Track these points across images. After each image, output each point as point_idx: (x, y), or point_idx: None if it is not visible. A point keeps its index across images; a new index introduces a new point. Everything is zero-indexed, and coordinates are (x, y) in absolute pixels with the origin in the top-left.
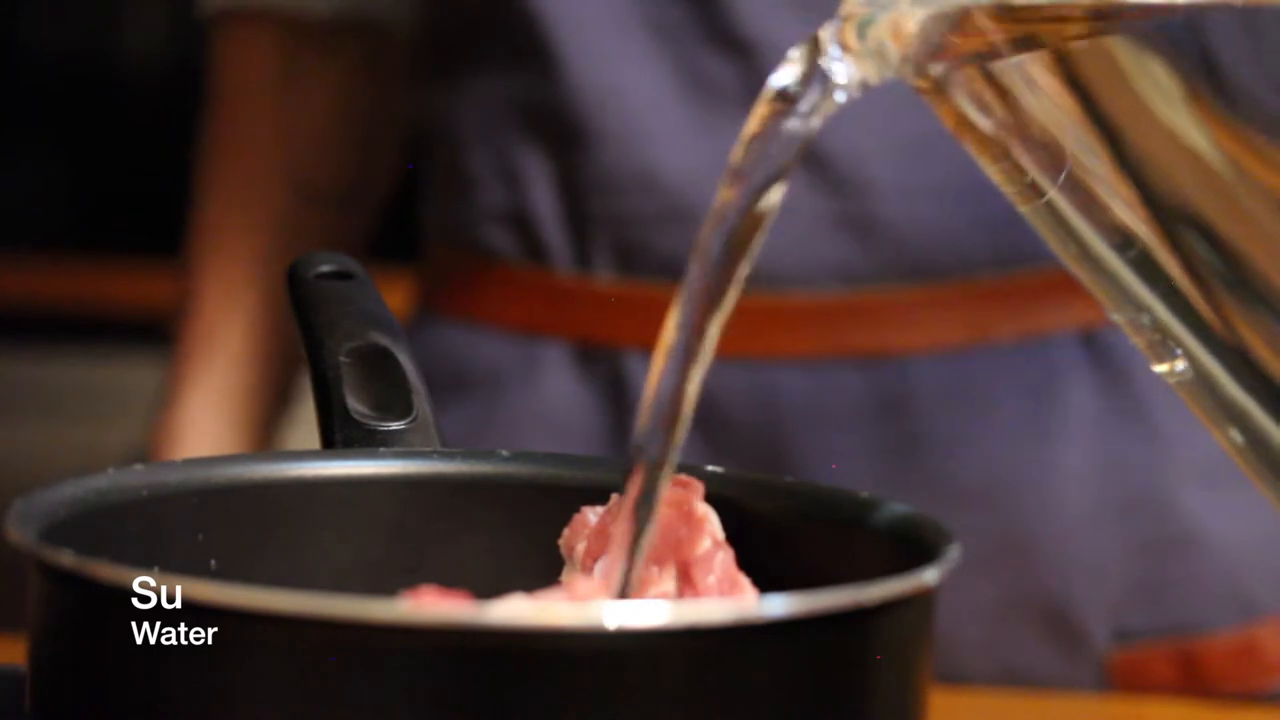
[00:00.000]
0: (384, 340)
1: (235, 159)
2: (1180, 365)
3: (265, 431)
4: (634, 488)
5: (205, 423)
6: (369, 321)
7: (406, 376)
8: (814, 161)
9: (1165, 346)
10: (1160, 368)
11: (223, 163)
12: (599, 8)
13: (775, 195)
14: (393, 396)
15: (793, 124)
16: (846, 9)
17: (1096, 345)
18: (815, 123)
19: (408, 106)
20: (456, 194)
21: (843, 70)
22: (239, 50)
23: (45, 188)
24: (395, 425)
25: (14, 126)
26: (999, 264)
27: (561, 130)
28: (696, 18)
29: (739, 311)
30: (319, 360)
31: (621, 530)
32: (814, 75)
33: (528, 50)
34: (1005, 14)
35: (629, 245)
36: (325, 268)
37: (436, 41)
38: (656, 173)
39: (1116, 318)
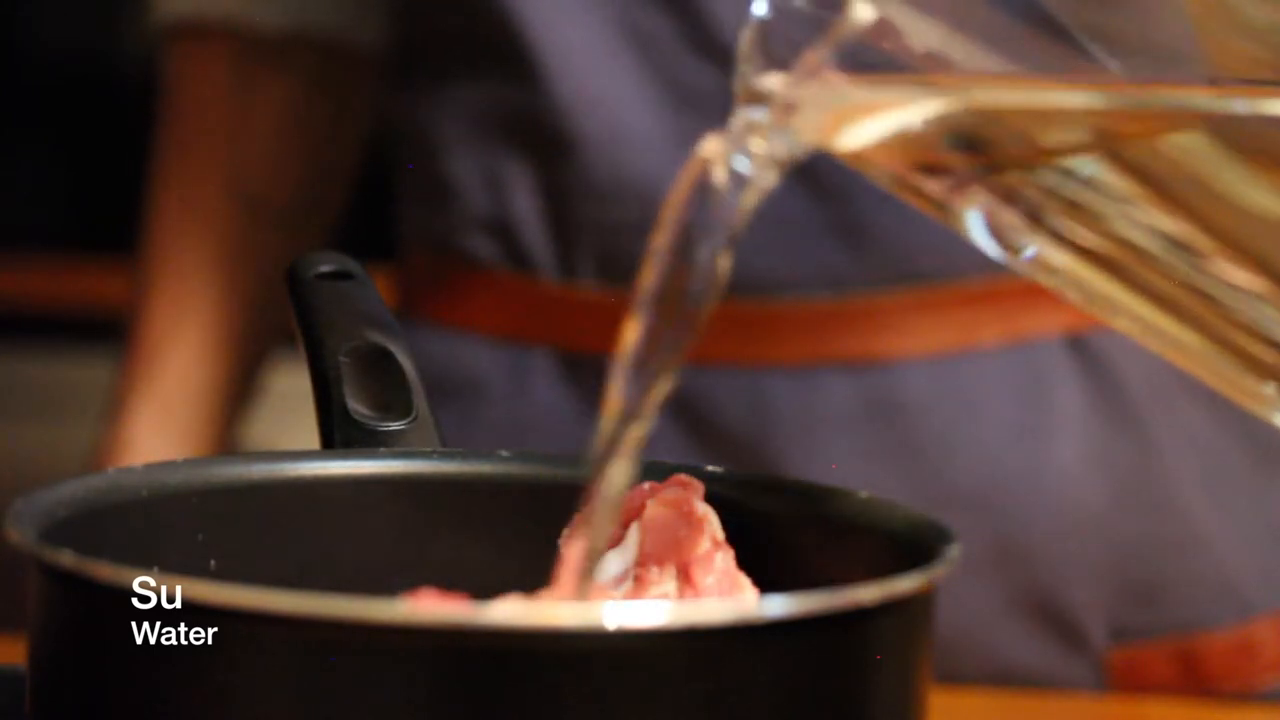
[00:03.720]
0: (384, 340)
1: (185, 172)
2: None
3: (217, 444)
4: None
5: (149, 440)
6: (369, 321)
7: (406, 376)
8: (801, 168)
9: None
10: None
11: (173, 176)
12: (578, 17)
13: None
14: (393, 396)
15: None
16: (739, 122)
17: (1083, 348)
18: (749, 204)
19: (372, 119)
20: (438, 200)
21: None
22: (191, 63)
23: (45, 188)
24: (395, 425)
25: (14, 126)
26: (985, 268)
27: (544, 138)
28: (677, 26)
29: (728, 318)
30: (319, 360)
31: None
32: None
33: (509, 60)
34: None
35: (613, 253)
36: (325, 268)
37: (414, 51)
38: (640, 181)
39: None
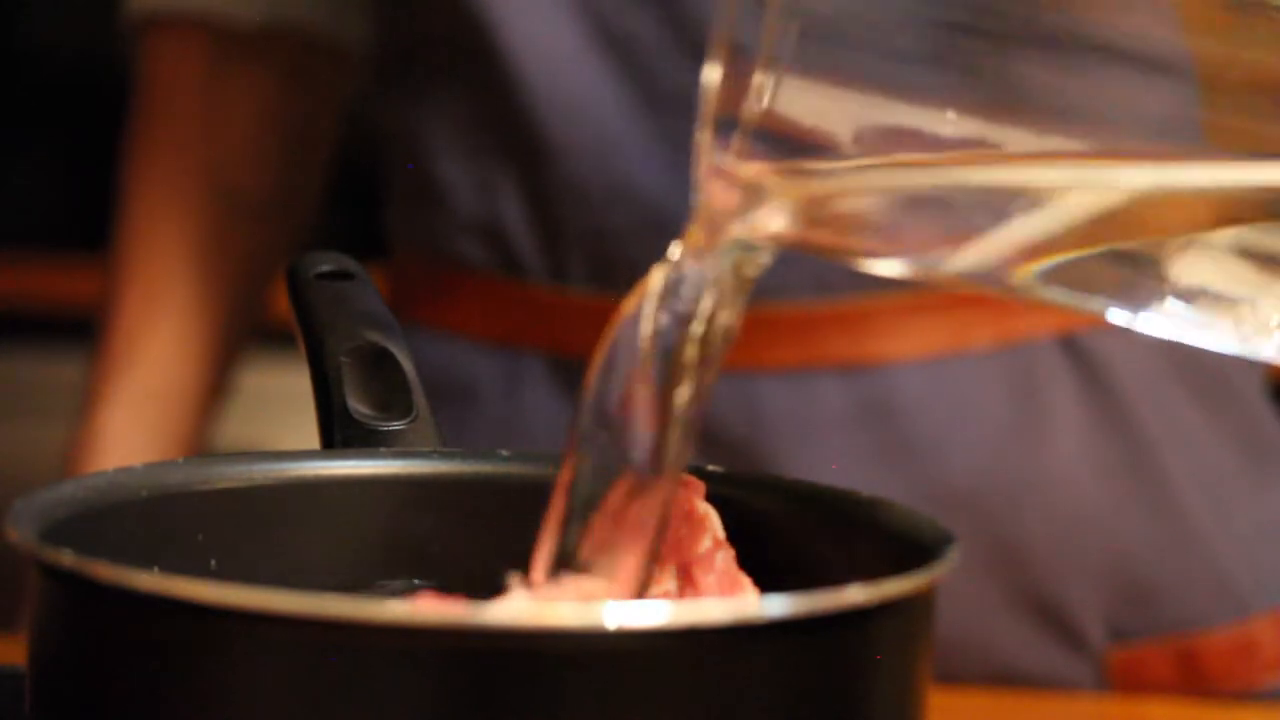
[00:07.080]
0: (384, 340)
1: (160, 165)
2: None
3: (191, 439)
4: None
5: (124, 435)
6: (369, 321)
7: (406, 376)
8: None
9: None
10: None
11: (147, 169)
12: (555, 21)
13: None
14: (393, 396)
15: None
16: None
17: (1076, 349)
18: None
19: (345, 120)
20: (427, 203)
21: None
22: (166, 58)
23: (45, 188)
24: (395, 425)
25: (14, 126)
26: None
27: (528, 144)
28: (658, 27)
29: None
30: (319, 360)
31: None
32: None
33: (488, 66)
34: None
35: (603, 258)
36: (325, 268)
37: (399, 54)
38: (626, 185)
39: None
